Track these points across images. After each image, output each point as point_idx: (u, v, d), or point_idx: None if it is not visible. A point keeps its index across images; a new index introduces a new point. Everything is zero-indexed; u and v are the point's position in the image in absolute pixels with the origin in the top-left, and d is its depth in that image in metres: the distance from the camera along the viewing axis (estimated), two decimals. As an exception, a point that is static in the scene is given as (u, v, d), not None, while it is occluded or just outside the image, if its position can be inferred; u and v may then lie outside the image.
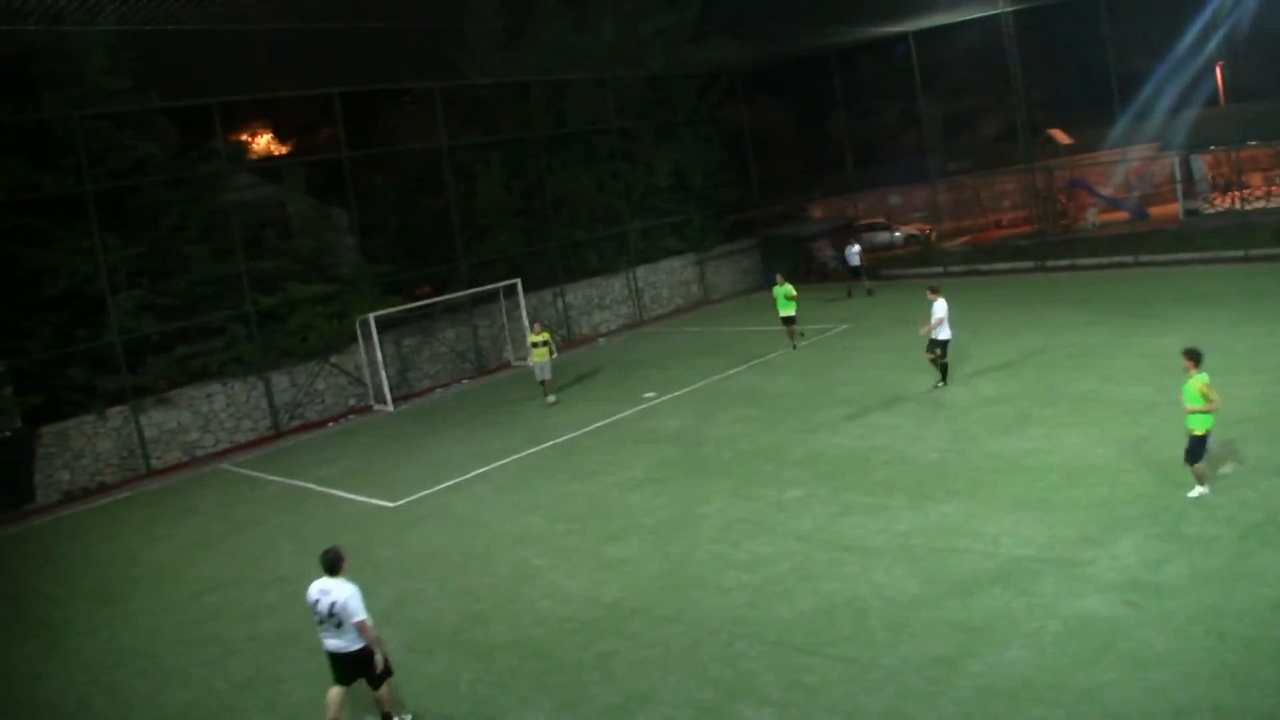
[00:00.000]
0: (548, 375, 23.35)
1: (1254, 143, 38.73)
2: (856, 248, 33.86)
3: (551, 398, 23.61)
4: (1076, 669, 9.11)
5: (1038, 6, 36.06)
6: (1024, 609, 10.29)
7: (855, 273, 33.61)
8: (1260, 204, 35.44)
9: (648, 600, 12.01)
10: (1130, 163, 39.52)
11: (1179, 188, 38.13)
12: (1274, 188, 38.25)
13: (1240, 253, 30.33)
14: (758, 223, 41.50)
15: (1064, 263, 33.59)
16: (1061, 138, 44.15)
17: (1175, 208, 38.26)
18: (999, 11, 35.80)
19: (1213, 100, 41.05)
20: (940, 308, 18.93)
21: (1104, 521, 12.13)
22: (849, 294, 33.31)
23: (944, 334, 19.01)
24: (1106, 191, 41.89)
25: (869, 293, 32.89)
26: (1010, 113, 38.80)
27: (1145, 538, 11.54)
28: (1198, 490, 12.02)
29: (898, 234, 42.46)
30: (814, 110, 44.45)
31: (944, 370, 19.51)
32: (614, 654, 10.83)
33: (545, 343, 23.12)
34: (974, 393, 18.90)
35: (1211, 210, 37.43)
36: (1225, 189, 39.53)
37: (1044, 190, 39.79)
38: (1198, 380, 11.63)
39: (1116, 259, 32.38)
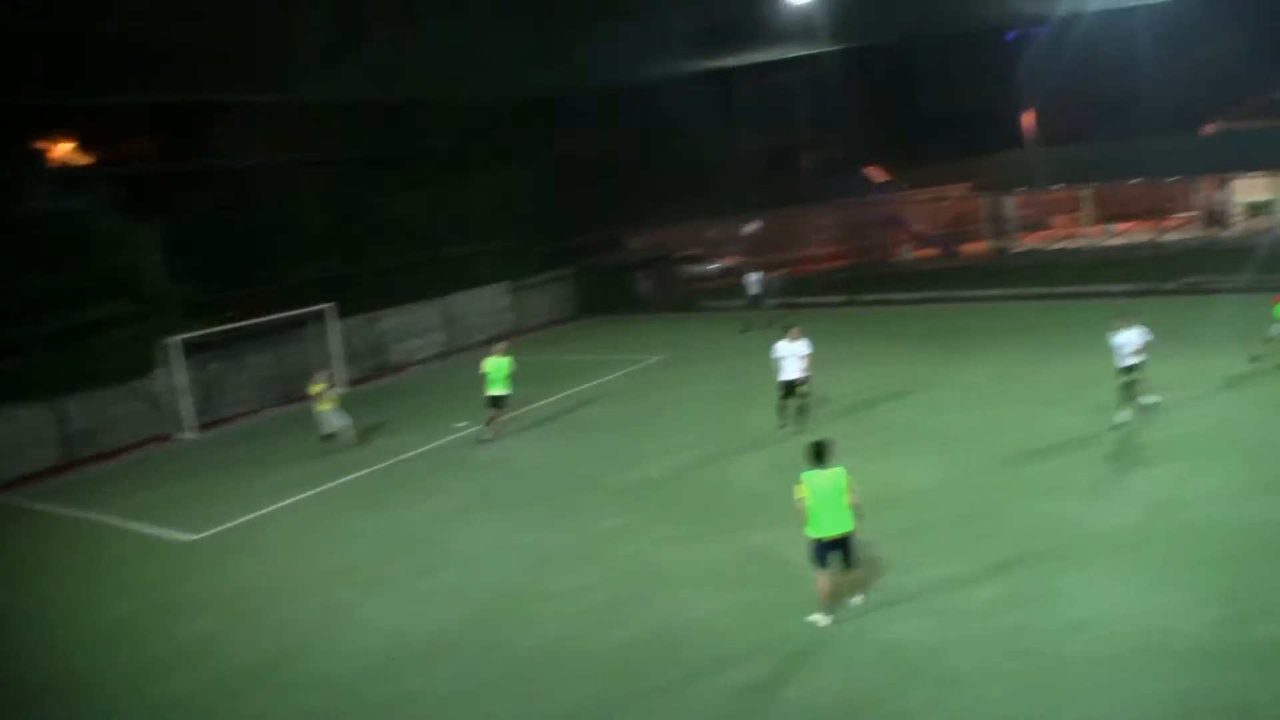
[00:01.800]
0: (340, 423, 25.47)
1: (1060, 185, 48.00)
2: (756, 275, 38.25)
3: (346, 438, 25.67)
4: (889, 692, 11.02)
5: (858, 47, 43.28)
6: (837, 634, 12.33)
7: (755, 301, 37.62)
8: (1064, 244, 42.28)
9: (461, 634, 13.85)
10: (943, 201, 46.33)
11: (989, 226, 46.03)
12: (1075, 229, 46.46)
13: (1044, 289, 36.76)
14: (576, 252, 47.90)
15: (878, 296, 40.12)
16: (878, 175, 52.70)
17: (985, 245, 46.14)
18: (818, 50, 42.46)
19: (1023, 144, 49.52)
20: (801, 347, 21.73)
21: (915, 547, 14.65)
22: (746, 325, 36.29)
23: (795, 373, 21.52)
24: (919, 228, 49.64)
25: (767, 324, 35.92)
26: (829, 149, 46.55)
27: (954, 562, 14.05)
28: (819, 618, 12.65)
29: (714, 266, 50.20)
30: (636, 141, 50.10)
31: (800, 410, 21.92)
32: (423, 691, 12.42)
33: (324, 393, 25.40)
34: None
35: (1019, 249, 45.64)
36: (1032, 229, 48.39)
37: (858, 225, 47.36)
38: (841, 473, 12.41)
39: (928, 294, 39.27)
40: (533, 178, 45.91)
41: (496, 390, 24.00)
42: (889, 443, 20.21)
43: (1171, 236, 42.76)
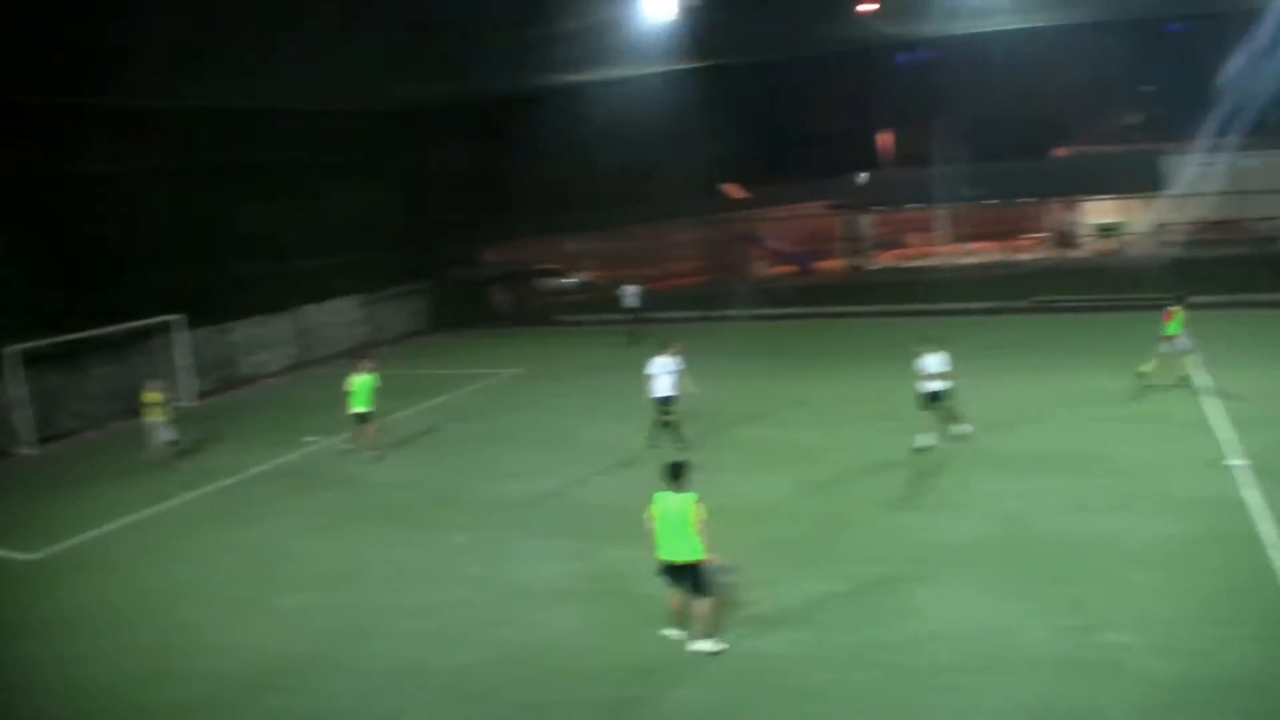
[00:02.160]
0: (167, 437, 25.11)
1: (914, 205, 50.45)
2: (633, 289, 39.41)
3: (160, 454, 25.31)
4: (746, 707, 11.36)
5: (718, 65, 44.40)
6: (685, 653, 12.57)
7: (633, 314, 38.80)
8: (919, 262, 44.09)
9: (316, 652, 13.84)
10: (800, 218, 47.86)
11: (844, 244, 47.49)
12: (929, 247, 48.27)
13: (899, 306, 38.47)
14: (432, 265, 48.26)
15: (736, 312, 41.27)
16: (736, 192, 54.51)
17: (840, 263, 48.21)
18: (678, 68, 43.45)
19: (879, 164, 51.90)
20: (674, 363, 21.95)
21: (771, 561, 15.10)
22: (631, 338, 36.84)
23: (667, 390, 21.71)
24: (776, 245, 51.53)
25: (634, 339, 36.37)
26: (688, 166, 47.71)
27: (810, 577, 14.51)
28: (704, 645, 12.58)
29: (571, 280, 52.19)
30: (495, 154, 50.96)
31: (677, 427, 22.02)
32: (278, 712, 12.41)
33: (157, 403, 25.12)
34: (643, 437, 22.65)
35: (874, 266, 47.87)
36: (888, 247, 51.03)
37: (717, 242, 49.22)
38: (689, 498, 12.24)
39: (785, 310, 40.68)
40: (390, 189, 46.30)
41: (360, 407, 23.76)
42: (744, 458, 20.77)
43: (1024, 256, 44.78)
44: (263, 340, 38.78)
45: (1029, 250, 47.07)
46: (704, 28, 38.79)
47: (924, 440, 20.03)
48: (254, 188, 39.87)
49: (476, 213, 49.63)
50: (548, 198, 51.51)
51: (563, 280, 51.81)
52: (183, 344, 33.65)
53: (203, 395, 33.52)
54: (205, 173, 37.91)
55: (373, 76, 39.94)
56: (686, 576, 12.20)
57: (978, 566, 14.37)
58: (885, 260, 48.89)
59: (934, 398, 19.92)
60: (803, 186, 50.44)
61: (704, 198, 47.46)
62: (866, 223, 51.57)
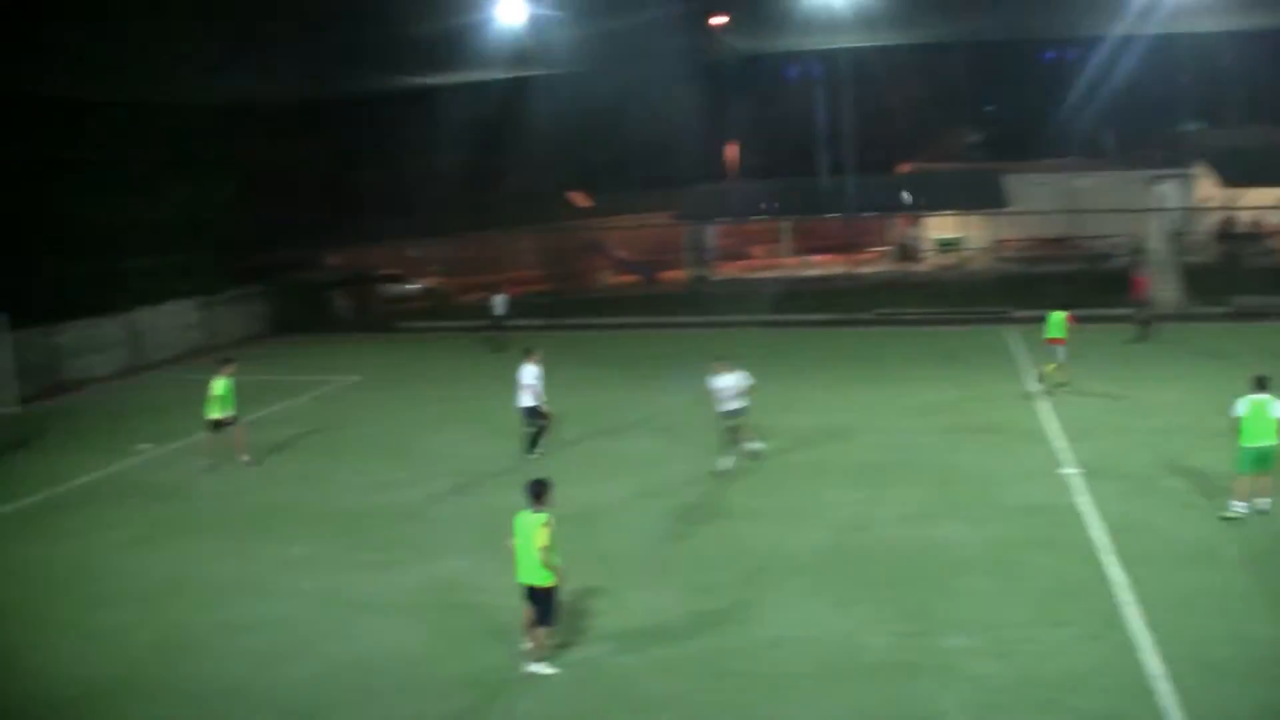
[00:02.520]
0: None
1: (759, 217, 51.33)
2: (500, 297, 38.92)
3: None
4: (588, 717, 11.38)
5: (565, 73, 44.94)
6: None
7: (498, 322, 38.48)
8: (761, 273, 44.95)
9: (139, 673, 13.22)
10: (644, 228, 48.74)
11: (688, 255, 48.45)
12: (773, 259, 49.34)
13: (742, 317, 39.32)
14: (272, 268, 47.16)
15: (578, 321, 41.82)
16: (581, 200, 55.42)
17: (684, 273, 48.78)
18: (527, 74, 44.15)
19: (725, 175, 53.04)
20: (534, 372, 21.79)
21: (614, 571, 15.13)
22: (495, 346, 36.97)
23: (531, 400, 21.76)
24: (621, 254, 52.16)
25: (498, 347, 36.44)
26: (534, 173, 48.62)
27: (650, 585, 14.62)
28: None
29: (414, 286, 51.42)
30: (339, 155, 50.55)
31: (535, 436, 22.00)
32: None
33: None
34: (486, 446, 23.00)
35: (718, 277, 48.58)
36: (732, 258, 52.00)
37: (561, 250, 49.65)
38: (538, 520, 12.07)
39: (627, 319, 41.21)
40: (227, 189, 44.99)
41: (221, 413, 22.80)
42: (586, 467, 20.77)
43: (866, 269, 45.91)
44: (92, 343, 37.37)
45: (871, 263, 48.29)
46: (554, 35, 39.11)
47: (724, 463, 20.04)
48: (83, 183, 38.38)
49: (318, 215, 48.86)
50: (392, 201, 51.38)
51: (405, 286, 51.55)
52: (4, 346, 32.11)
53: (25, 401, 31.88)
54: (27, 166, 36.38)
55: (209, 69, 38.68)
56: (533, 600, 12.12)
57: (818, 574, 14.62)
58: (729, 271, 49.54)
59: (731, 416, 19.96)
60: (648, 196, 50.89)
61: (549, 205, 47.64)
62: (710, 234, 52.34)
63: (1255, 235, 45.26)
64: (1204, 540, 15.19)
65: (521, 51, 40.71)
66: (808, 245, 53.60)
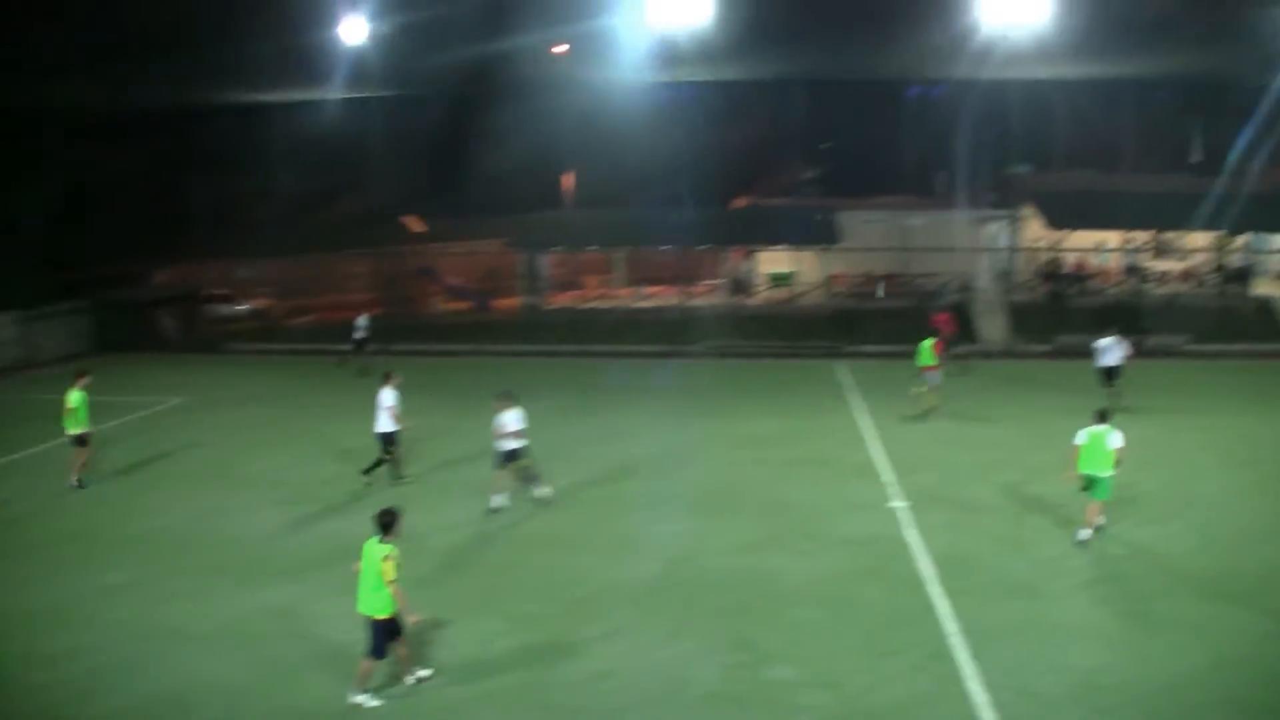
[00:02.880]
0: None
1: (593, 247, 52.18)
2: (363, 319, 38.60)
3: None
4: None
5: (404, 95, 45.92)
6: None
7: (359, 345, 37.99)
8: (595, 304, 45.23)
9: None
10: (478, 255, 49.10)
11: (522, 283, 48.68)
12: (607, 290, 49.69)
13: (575, 347, 39.80)
14: (96, 283, 45.81)
15: (409, 347, 41.36)
16: (415, 225, 55.12)
17: (517, 301, 48.78)
18: (363, 95, 44.33)
19: (560, 204, 54.68)
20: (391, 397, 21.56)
21: (440, 601, 14.79)
22: (359, 370, 36.33)
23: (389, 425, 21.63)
24: (453, 281, 52.08)
25: (362, 370, 35.69)
26: (368, 195, 48.61)
27: (480, 616, 14.40)
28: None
29: (243, 307, 51.03)
30: (171, 169, 49.26)
31: (381, 463, 21.65)
32: None
33: None
34: (316, 470, 22.89)
35: (551, 306, 48.61)
36: (564, 288, 52.04)
37: (393, 275, 49.41)
38: (381, 551, 12.03)
39: (459, 346, 41.36)
40: (50, 198, 43.48)
41: (79, 428, 21.94)
42: (415, 493, 20.46)
43: (699, 302, 46.43)
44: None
45: (705, 296, 48.86)
46: (391, 57, 38.98)
47: (498, 500, 19.55)
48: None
49: (148, 230, 47.56)
50: (224, 219, 50.54)
51: (234, 307, 50.93)
52: None
53: None
54: None
55: (25, 73, 37.26)
56: (369, 629, 11.94)
57: (647, 605, 14.60)
58: (562, 301, 49.76)
59: (510, 456, 19.49)
60: (482, 223, 50.85)
61: (383, 229, 47.34)
62: (544, 263, 52.45)
63: (1079, 276, 47.33)
64: (1027, 572, 15.66)
65: (360, 72, 40.52)
66: (641, 276, 54.07)
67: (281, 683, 12.66)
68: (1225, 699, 11.76)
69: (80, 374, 22.78)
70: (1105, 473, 16.75)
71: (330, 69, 40.77)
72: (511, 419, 19.23)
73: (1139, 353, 32.65)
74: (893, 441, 24.43)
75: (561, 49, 45.71)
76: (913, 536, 17.35)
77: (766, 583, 15.33)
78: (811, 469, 22.23)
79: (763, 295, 48.54)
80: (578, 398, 27.43)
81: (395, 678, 12.38)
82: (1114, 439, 16.77)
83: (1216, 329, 41.84)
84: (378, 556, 11.82)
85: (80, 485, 21.95)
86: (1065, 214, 44.59)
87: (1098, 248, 47.72)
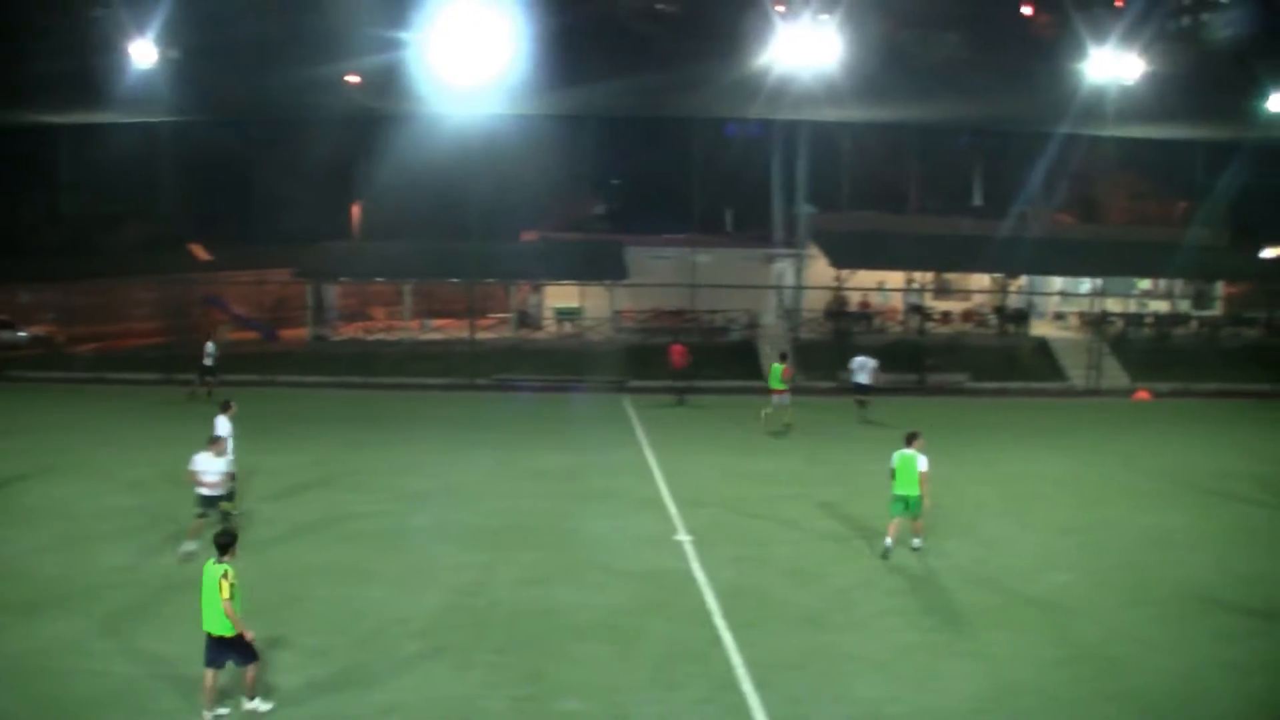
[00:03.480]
0: None
1: (381, 279, 52.18)
2: (211, 344, 37.89)
3: None
4: None
5: (195, 121, 45.69)
6: None
7: (208, 371, 37.44)
8: (382, 335, 44.77)
9: None
10: (266, 284, 48.36)
11: (310, 313, 48.17)
12: (395, 321, 49.36)
13: (362, 379, 39.69)
14: None
15: (192, 377, 40.01)
16: (201, 253, 54.11)
17: (305, 332, 48.40)
18: (152, 119, 43.80)
19: (349, 235, 54.93)
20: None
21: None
22: (206, 393, 36.23)
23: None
24: (240, 310, 51.16)
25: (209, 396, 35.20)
26: (153, 221, 47.82)
27: (263, 650, 13.65)
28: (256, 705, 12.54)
29: (22, 334, 50.21)
30: None
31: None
32: None
33: None
34: (101, 502, 21.95)
35: (338, 337, 48.48)
36: (352, 319, 52.06)
37: (179, 303, 48.37)
38: (218, 571, 12.08)
39: (246, 377, 40.22)
40: None
41: None
42: (205, 524, 19.14)
43: (487, 334, 46.36)
44: None
45: (493, 329, 48.82)
46: (181, 82, 38.23)
47: (188, 546, 18.31)
48: None
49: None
50: (3, 243, 49.26)
51: (15, 333, 49.08)
52: None
53: None
54: None
55: None
56: (226, 649, 12.04)
57: (435, 637, 14.41)
58: (350, 332, 49.38)
59: (209, 502, 18.61)
60: (270, 252, 50.13)
61: (170, 256, 46.11)
62: (332, 293, 51.99)
63: (863, 315, 49.02)
64: (813, 604, 16.04)
65: (149, 96, 39.55)
66: (430, 309, 53.83)
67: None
68: (1008, 725, 12.24)
69: None
70: (916, 492, 18.28)
71: (118, 92, 39.60)
72: (211, 463, 18.29)
73: (924, 389, 34.24)
74: (680, 475, 24.86)
75: (354, 79, 45.42)
76: (699, 570, 17.58)
77: (555, 615, 15.29)
78: (600, 502, 22.36)
79: (550, 329, 48.75)
80: (367, 429, 27.02)
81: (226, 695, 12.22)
82: (921, 462, 18.31)
83: (996, 367, 44.04)
84: (216, 575, 11.89)
85: None
86: (848, 254, 46.13)
87: (880, 287, 49.50)
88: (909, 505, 18.50)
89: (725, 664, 13.68)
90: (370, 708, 12.34)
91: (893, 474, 18.58)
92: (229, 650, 12.04)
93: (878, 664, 13.78)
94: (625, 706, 12.38)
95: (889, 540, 18.68)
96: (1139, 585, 17.41)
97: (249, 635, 11.98)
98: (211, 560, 12.11)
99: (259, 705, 12.29)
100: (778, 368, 31.28)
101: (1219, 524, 21.76)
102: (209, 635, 12.02)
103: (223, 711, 12.14)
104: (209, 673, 12.04)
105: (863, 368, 33.85)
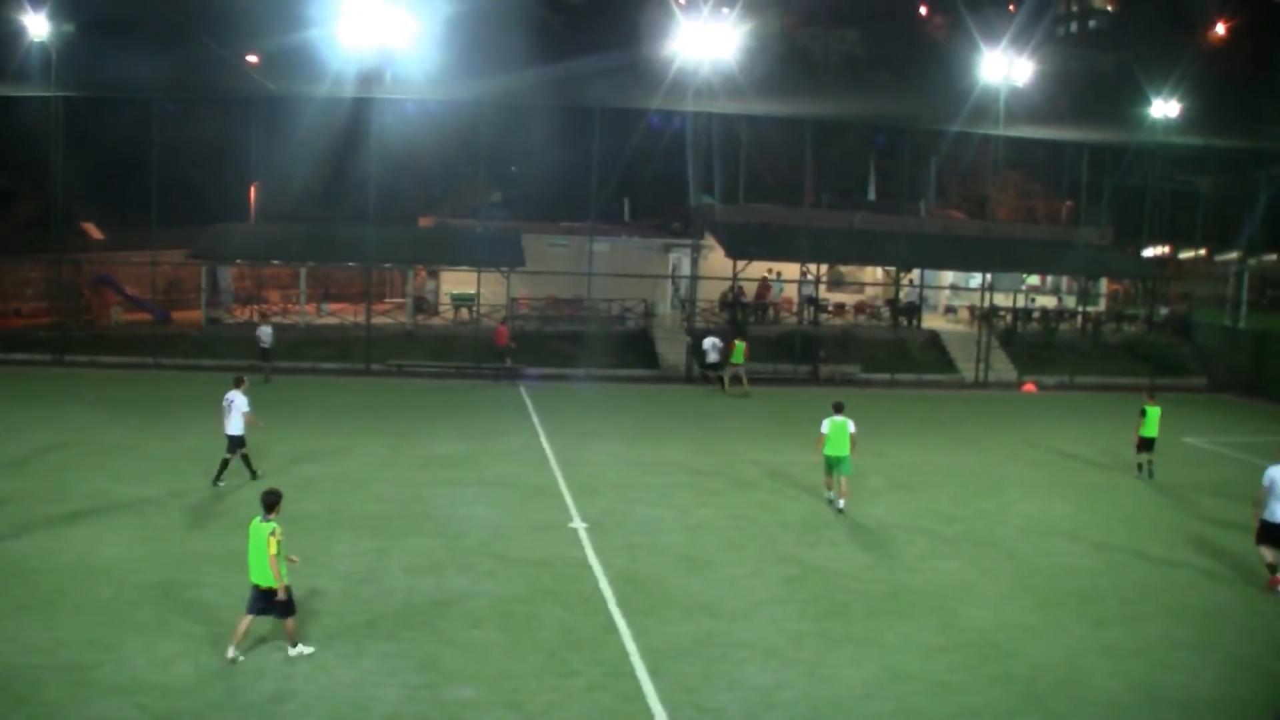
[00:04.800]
0: None
1: (277, 261, 51.12)
2: (266, 328, 38.80)
3: None
4: None
5: (89, 97, 44.15)
6: (24, 719, 11.49)
7: (265, 355, 38.14)
8: (277, 319, 44.12)
9: None
10: (159, 265, 47.45)
11: (204, 295, 47.32)
12: (290, 305, 49.01)
13: (255, 363, 38.38)
14: None
15: (85, 358, 40.60)
16: (94, 232, 53.03)
17: (199, 314, 47.45)
18: (49, 94, 41.74)
19: (245, 217, 53.51)
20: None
21: (110, 623, 14.10)
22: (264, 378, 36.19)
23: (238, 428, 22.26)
24: (133, 291, 49.82)
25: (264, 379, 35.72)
26: (44, 199, 45.99)
27: (152, 639, 13.68)
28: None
29: None
30: None
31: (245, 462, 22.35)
32: None
33: None
34: None
35: (233, 320, 47.63)
36: (247, 301, 51.20)
37: (70, 283, 47.24)
38: (266, 529, 13.20)
39: (138, 359, 40.39)
40: None
41: None
42: (85, 511, 19.37)
43: (383, 320, 45.83)
44: None
45: (388, 314, 48.33)
46: (76, 57, 37.24)
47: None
48: None
49: None
50: None
51: None
52: None
53: None
54: None
55: None
56: (269, 602, 13.18)
57: (327, 625, 14.24)
58: (245, 315, 48.41)
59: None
60: (164, 232, 48.89)
61: (60, 234, 44.72)
62: (227, 275, 51.04)
63: (759, 305, 49.37)
64: (706, 592, 16.17)
65: (42, 70, 38.50)
66: (325, 292, 53.09)
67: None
68: (898, 711, 12.46)
69: None
70: (845, 452, 21.10)
71: (10, 64, 38.38)
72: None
73: (817, 379, 34.79)
74: (574, 464, 24.91)
75: (253, 59, 44.65)
76: (593, 557, 17.63)
77: (448, 603, 15.21)
78: (493, 489, 22.31)
79: (445, 315, 48.38)
80: (258, 414, 26.42)
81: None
82: (851, 425, 21.11)
83: (888, 359, 44.72)
84: (265, 533, 13.07)
85: None
86: (743, 244, 46.39)
87: (779, 278, 49.87)
88: (841, 465, 21.19)
89: (619, 651, 13.75)
90: (261, 696, 12.17)
91: (824, 439, 21.05)
92: (272, 603, 13.15)
93: (769, 651, 13.94)
94: (519, 694, 12.37)
95: (830, 493, 21.85)
96: (1021, 573, 17.93)
97: (282, 586, 13.07)
98: (258, 518, 13.24)
99: (301, 650, 13.32)
100: (741, 345, 37.76)
101: (1099, 513, 22.47)
102: (255, 587, 13.18)
103: (240, 656, 13.02)
104: (248, 618, 13.18)
105: (713, 348, 38.57)
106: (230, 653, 12.96)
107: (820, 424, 21.21)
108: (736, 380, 38.24)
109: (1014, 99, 44.57)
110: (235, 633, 13.14)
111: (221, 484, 21.81)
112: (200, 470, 22.76)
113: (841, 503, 21.32)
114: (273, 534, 12.97)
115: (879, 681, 13.14)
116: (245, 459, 22.45)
